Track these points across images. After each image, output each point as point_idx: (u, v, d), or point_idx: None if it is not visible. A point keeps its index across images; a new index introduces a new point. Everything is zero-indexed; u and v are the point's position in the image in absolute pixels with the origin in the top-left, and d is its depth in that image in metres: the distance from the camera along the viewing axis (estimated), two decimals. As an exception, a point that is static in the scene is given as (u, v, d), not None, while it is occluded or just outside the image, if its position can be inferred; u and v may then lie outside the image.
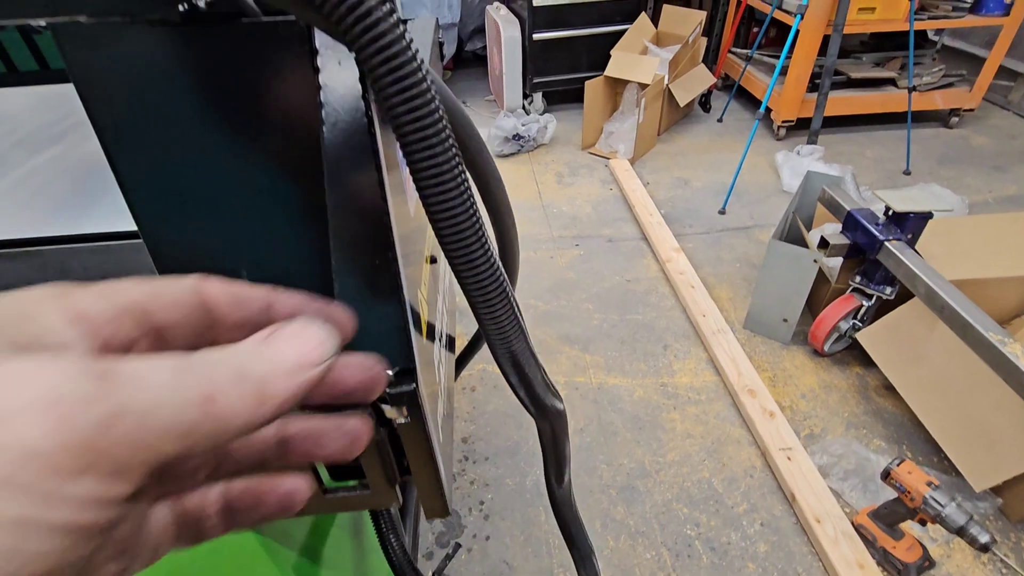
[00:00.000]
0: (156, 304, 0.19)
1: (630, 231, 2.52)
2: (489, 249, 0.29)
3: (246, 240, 0.32)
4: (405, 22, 0.27)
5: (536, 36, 3.16)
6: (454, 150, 0.24)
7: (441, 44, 1.29)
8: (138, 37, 0.25)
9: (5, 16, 0.23)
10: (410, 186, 0.33)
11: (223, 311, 0.21)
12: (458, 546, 1.38)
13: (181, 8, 0.23)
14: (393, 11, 0.22)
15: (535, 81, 3.34)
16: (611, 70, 2.96)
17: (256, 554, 0.47)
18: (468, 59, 4.14)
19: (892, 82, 3.13)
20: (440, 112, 0.23)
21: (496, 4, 3.38)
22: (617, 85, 3.05)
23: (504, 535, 1.41)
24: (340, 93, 0.29)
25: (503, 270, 0.30)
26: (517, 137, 3.05)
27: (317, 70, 0.28)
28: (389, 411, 0.32)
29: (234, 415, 0.16)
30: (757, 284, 1.86)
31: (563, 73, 3.36)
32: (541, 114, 3.38)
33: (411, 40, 0.23)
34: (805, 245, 1.75)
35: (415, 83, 0.22)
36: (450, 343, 0.62)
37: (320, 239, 0.31)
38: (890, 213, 1.56)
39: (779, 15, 2.96)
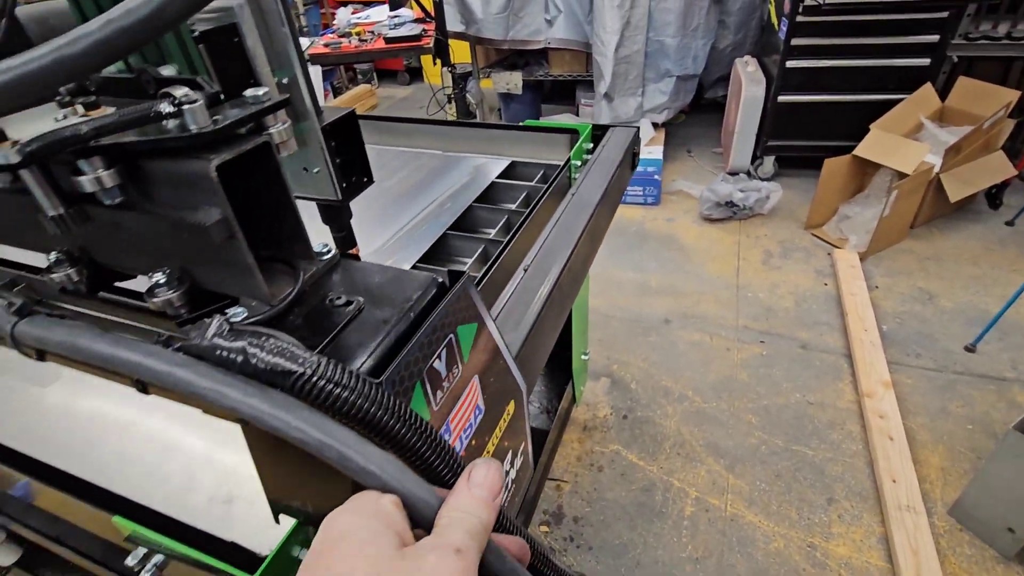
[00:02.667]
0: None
1: (833, 342, 2.18)
2: None
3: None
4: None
5: (782, 98, 2.89)
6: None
7: (636, 154, 1.30)
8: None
9: None
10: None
11: None
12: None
13: None
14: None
15: (769, 144, 3.07)
16: (863, 149, 2.56)
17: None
18: (706, 105, 3.96)
19: None
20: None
21: (747, 59, 3.18)
22: (867, 165, 2.63)
23: (581, 637, 1.39)
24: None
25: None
26: (730, 204, 2.85)
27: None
28: None
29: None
30: (983, 471, 1.47)
31: (804, 139, 3.01)
32: (768, 179, 3.10)
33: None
34: (1070, 447, 1.32)
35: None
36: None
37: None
38: None
39: None
